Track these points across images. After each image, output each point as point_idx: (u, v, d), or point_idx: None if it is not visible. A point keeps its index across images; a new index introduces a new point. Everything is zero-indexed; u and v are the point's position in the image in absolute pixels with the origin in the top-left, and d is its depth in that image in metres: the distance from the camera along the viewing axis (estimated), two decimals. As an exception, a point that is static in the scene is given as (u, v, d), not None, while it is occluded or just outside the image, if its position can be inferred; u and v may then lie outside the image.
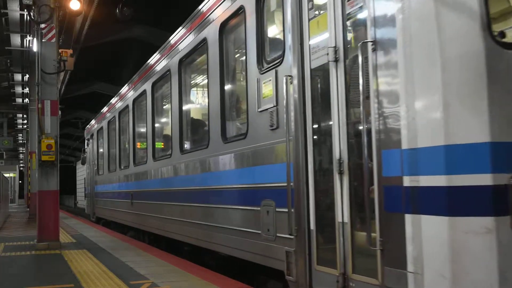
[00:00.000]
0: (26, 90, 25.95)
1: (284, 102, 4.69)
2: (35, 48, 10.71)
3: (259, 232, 5.29)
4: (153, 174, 9.64)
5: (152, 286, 5.47)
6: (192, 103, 8.63)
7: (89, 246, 9.55)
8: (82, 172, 55.20)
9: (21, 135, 37.27)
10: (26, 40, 19.16)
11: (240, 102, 6.59)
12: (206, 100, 7.10)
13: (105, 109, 15.79)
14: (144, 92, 10.42)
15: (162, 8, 20.59)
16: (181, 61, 8.11)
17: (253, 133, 5.50)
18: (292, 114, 4.61)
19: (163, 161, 8.94)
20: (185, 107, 8.25)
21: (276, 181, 4.97)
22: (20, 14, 16.56)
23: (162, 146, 9.86)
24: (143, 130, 10.94)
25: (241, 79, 6.58)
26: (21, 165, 51.25)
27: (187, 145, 8.11)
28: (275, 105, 5.02)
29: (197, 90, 8.69)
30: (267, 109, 5.16)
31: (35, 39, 11.26)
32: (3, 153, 41.27)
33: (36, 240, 9.30)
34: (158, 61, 9.46)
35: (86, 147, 19.40)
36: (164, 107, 10.08)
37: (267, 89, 5.17)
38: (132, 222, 11.58)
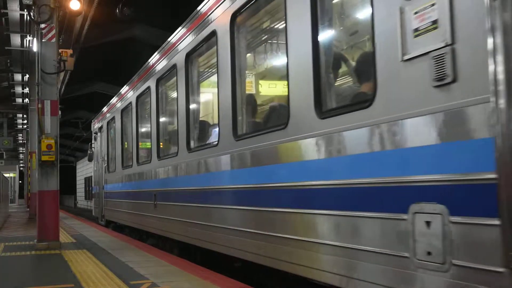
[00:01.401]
0: (26, 90, 25.97)
1: (480, 34, 2.84)
2: (35, 48, 10.70)
3: (405, 255, 3.35)
4: (188, 170, 7.52)
5: (152, 286, 5.46)
6: (255, 69, 6.80)
7: (89, 246, 9.54)
8: (82, 172, 55.36)
9: (21, 135, 37.33)
10: (26, 40, 19.17)
11: (352, 52, 4.79)
12: (281, 60, 5.15)
13: (117, 97, 13.72)
14: (174, 67, 8.30)
15: (162, 8, 20.60)
16: (234, 16, 6.00)
17: (389, 96, 3.53)
18: (501, 56, 2.73)
19: (203, 152, 6.95)
20: (240, 76, 6.12)
21: (449, 171, 3.05)
22: (20, 14, 16.57)
23: (201, 134, 7.82)
24: (170, 116, 9.11)
25: (353, 16, 4.93)
26: (21, 165, 51.30)
27: (245, 128, 6.10)
28: (448, 43, 3.06)
29: (265, 48, 6.81)
30: (426, 54, 3.21)
31: (35, 39, 11.25)
32: (3, 153, 41.34)
33: (36, 240, 9.30)
34: (199, 23, 7.14)
35: (93, 142, 17.31)
36: (204, 81, 8.22)
37: (426, 20, 3.27)
38: (155, 229, 9.52)
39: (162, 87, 9.56)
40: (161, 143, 9.40)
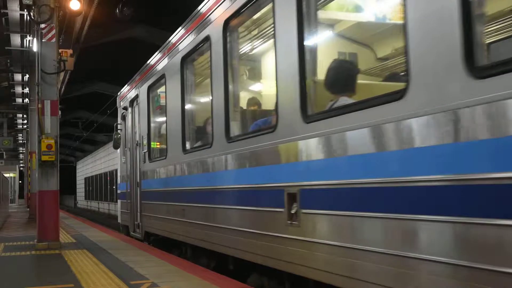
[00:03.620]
0: (26, 90, 25.98)
1: None
2: (35, 48, 10.71)
3: None
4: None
5: (152, 286, 5.46)
6: None
7: (89, 246, 9.54)
8: (82, 171, 55.38)
9: (21, 135, 37.34)
10: (26, 40, 19.18)
11: None
12: None
13: (168, 45, 8.67)
14: None
15: (162, 8, 20.60)
16: None
17: None
18: None
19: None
20: None
21: None
22: (20, 14, 16.58)
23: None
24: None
25: None
26: (21, 165, 51.30)
27: None
28: None
29: None
30: None
31: (35, 39, 11.26)
32: (3, 153, 41.35)
33: (36, 240, 9.30)
34: None
35: (120, 122, 12.50)
36: None
37: None
38: (305, 268, 4.37)
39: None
40: (309, 95, 4.52)
